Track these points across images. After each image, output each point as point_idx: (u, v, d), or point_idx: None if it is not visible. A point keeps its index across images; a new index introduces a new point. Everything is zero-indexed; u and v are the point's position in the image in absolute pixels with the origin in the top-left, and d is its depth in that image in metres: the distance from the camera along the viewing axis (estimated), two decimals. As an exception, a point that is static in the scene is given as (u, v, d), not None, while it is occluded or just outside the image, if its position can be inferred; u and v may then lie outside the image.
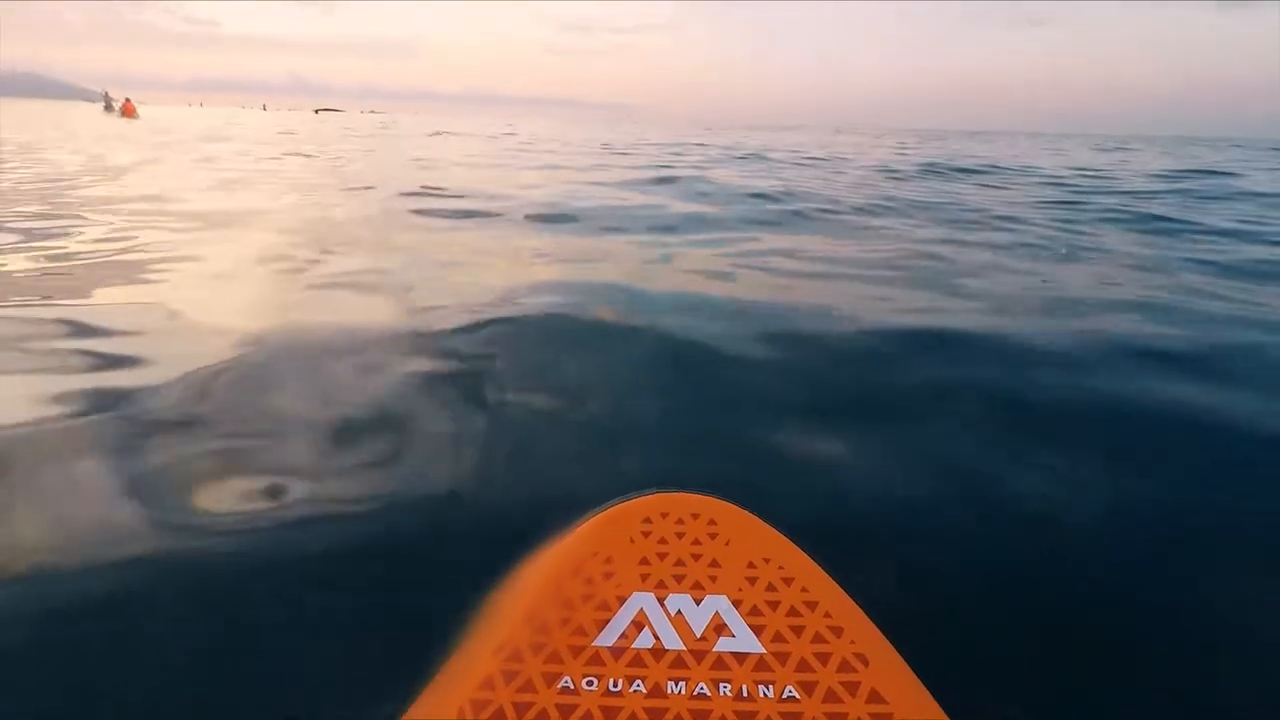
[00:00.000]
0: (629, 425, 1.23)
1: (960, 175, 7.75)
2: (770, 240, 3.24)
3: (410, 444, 1.15)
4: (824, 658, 0.59)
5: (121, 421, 1.20)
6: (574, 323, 1.80)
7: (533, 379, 1.44)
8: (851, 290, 2.24)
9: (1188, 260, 2.94)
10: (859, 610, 0.64)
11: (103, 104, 28.52)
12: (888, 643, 0.61)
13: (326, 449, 1.13)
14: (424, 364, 1.48)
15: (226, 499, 0.98)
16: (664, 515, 0.72)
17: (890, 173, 7.72)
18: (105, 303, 1.86)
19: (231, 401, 1.29)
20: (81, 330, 1.62)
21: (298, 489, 1.01)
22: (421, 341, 1.62)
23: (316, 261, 2.44)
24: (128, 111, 24.13)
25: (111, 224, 3.08)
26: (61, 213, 3.32)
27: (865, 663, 0.59)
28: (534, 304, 1.93)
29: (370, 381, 1.39)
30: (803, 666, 0.58)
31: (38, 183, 4.47)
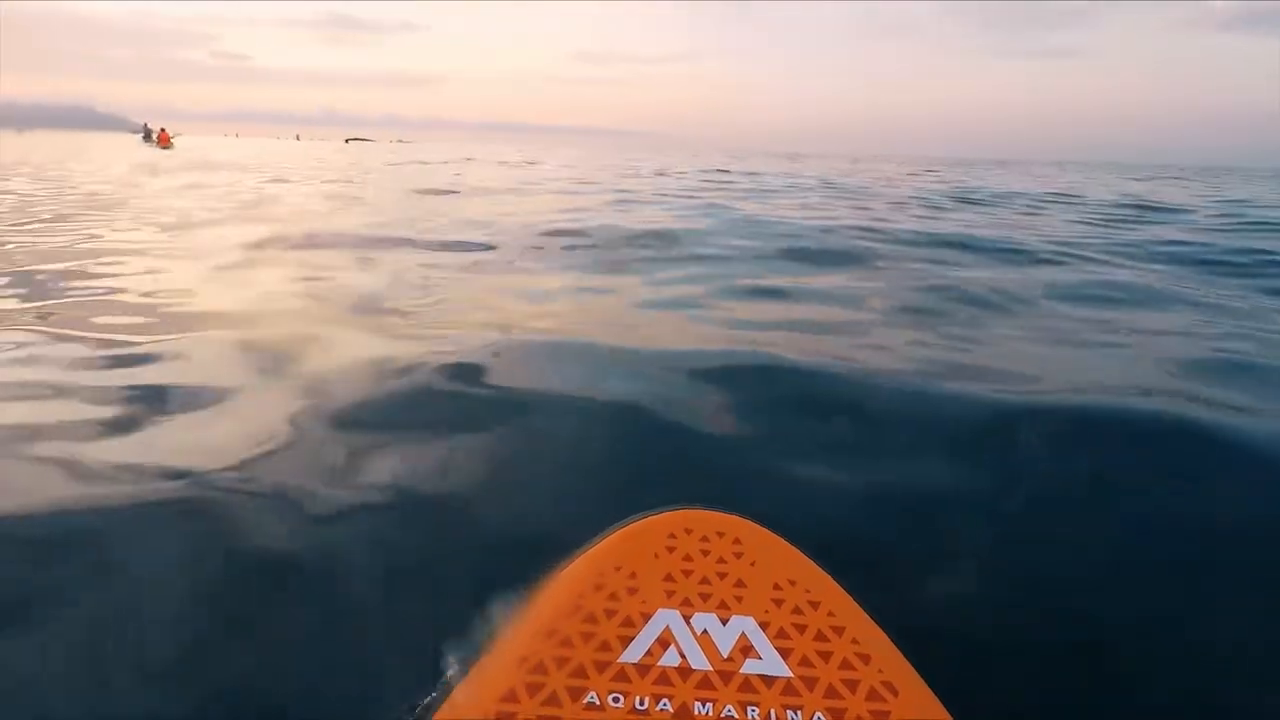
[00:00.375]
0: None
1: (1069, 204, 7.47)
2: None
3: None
4: (852, 685, 0.58)
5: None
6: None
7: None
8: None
9: None
10: (886, 637, 0.63)
11: (141, 135, 30.47)
12: (915, 672, 0.60)
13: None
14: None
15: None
16: (688, 532, 0.71)
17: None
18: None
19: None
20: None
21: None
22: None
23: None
24: (163, 141, 25.71)
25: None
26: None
27: (894, 692, 0.58)
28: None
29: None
30: (831, 693, 0.57)
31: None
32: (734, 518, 0.73)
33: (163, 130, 27.58)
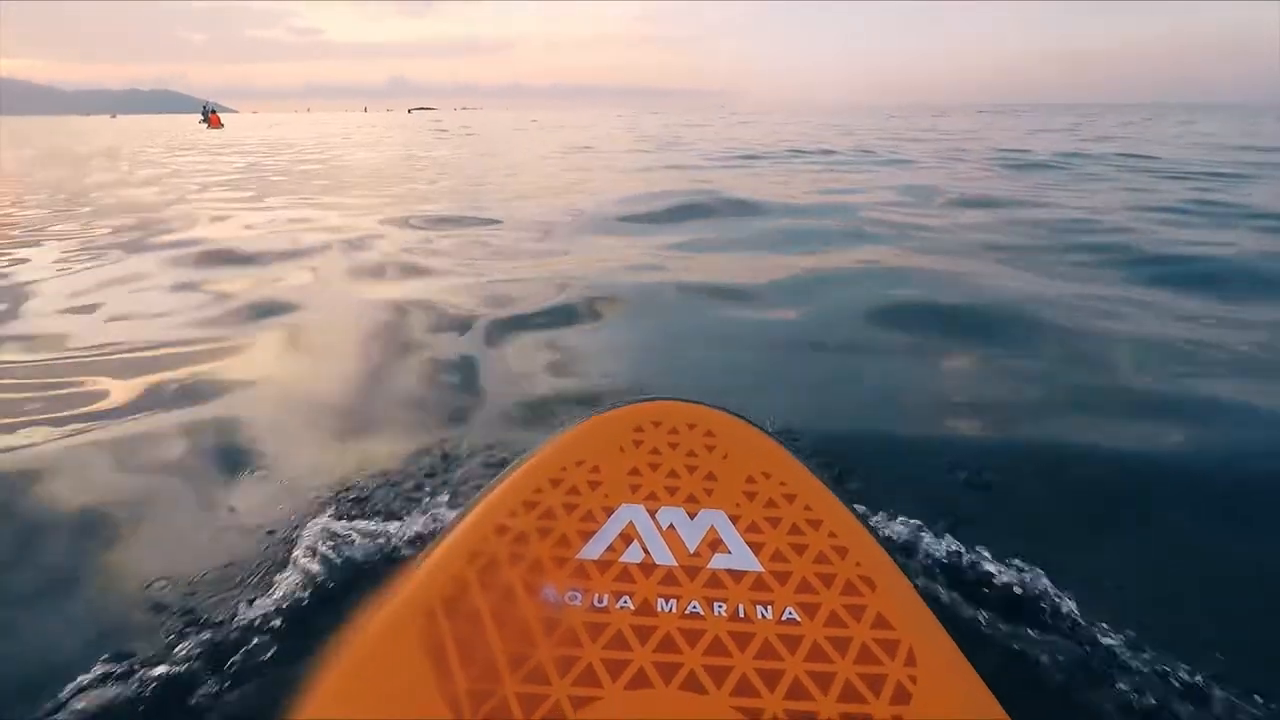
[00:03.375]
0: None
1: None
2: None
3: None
4: (827, 579, 0.54)
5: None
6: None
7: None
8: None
9: None
10: (864, 530, 0.58)
11: (201, 116, 32.07)
12: (894, 565, 0.56)
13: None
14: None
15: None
16: (656, 424, 0.66)
17: None
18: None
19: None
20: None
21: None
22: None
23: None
24: (213, 122, 27.07)
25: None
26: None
27: (871, 586, 0.53)
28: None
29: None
30: (804, 587, 0.53)
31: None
32: (707, 408, 0.68)
33: (212, 112, 29.43)
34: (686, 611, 0.51)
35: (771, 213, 3.92)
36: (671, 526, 0.57)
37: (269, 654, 0.73)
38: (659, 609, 0.51)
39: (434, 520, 0.90)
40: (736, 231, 3.40)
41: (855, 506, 0.63)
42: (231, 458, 1.18)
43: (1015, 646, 0.73)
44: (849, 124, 17.58)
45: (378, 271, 2.68)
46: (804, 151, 8.61)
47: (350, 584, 0.81)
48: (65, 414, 1.36)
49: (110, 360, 1.67)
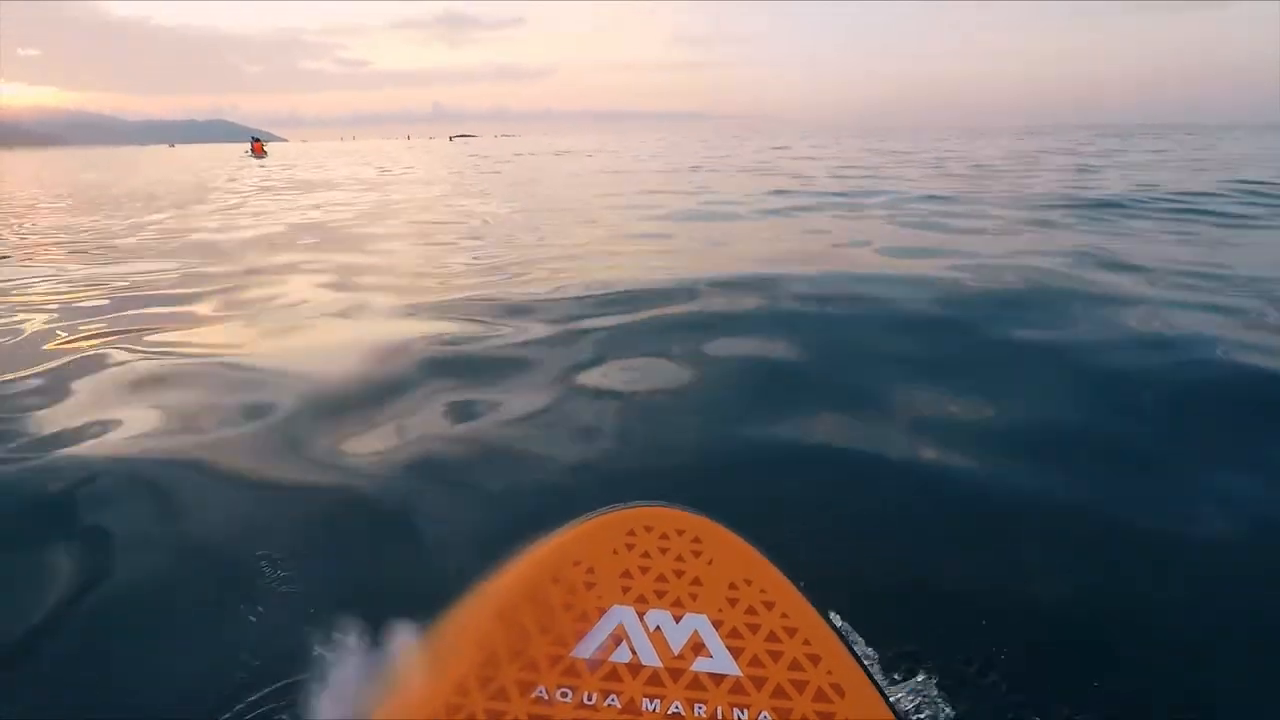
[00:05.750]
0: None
1: None
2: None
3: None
4: (800, 685, 0.58)
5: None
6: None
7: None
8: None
9: None
10: (837, 639, 0.62)
11: (249, 146, 34.34)
12: (864, 674, 0.59)
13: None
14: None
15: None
16: (648, 529, 0.71)
17: None
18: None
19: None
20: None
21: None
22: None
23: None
24: (256, 150, 28.77)
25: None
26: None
27: (841, 694, 0.57)
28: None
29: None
30: (779, 693, 0.57)
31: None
32: (694, 516, 0.73)
33: (256, 141, 31.76)
34: (670, 712, 0.56)
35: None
36: (658, 629, 0.62)
37: None
38: (644, 709, 0.56)
39: None
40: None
41: (829, 615, 0.67)
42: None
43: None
44: (963, 150, 16.25)
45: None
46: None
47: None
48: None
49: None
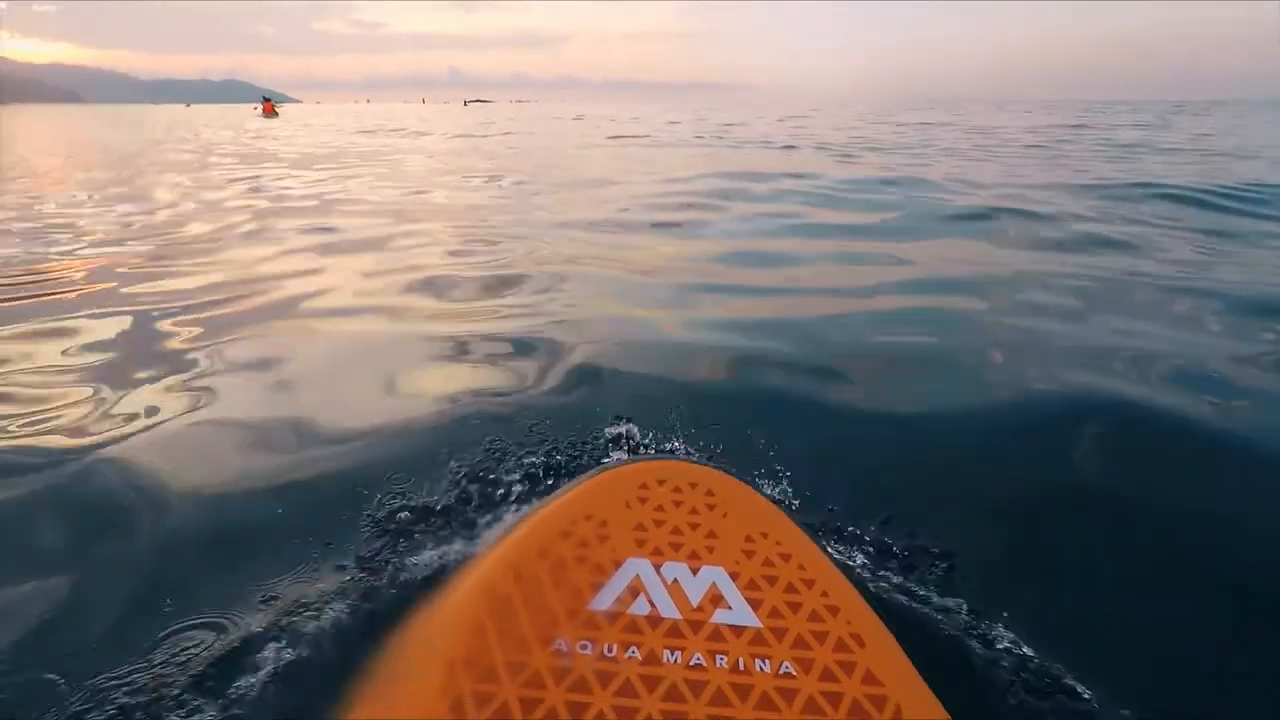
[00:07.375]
0: None
1: None
2: None
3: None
4: (820, 636, 0.58)
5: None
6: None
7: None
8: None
9: None
10: (854, 590, 0.62)
11: (257, 105, 34.98)
12: (882, 624, 0.59)
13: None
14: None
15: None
16: (661, 482, 0.70)
17: None
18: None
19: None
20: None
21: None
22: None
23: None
24: (267, 110, 28.47)
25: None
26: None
27: (861, 643, 0.57)
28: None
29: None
30: (799, 643, 0.57)
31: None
32: (708, 469, 0.72)
33: (267, 101, 31.82)
34: (691, 663, 0.56)
35: None
36: (676, 581, 0.62)
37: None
38: (665, 660, 0.56)
39: None
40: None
41: (847, 563, 0.67)
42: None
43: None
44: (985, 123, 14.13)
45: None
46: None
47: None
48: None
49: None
